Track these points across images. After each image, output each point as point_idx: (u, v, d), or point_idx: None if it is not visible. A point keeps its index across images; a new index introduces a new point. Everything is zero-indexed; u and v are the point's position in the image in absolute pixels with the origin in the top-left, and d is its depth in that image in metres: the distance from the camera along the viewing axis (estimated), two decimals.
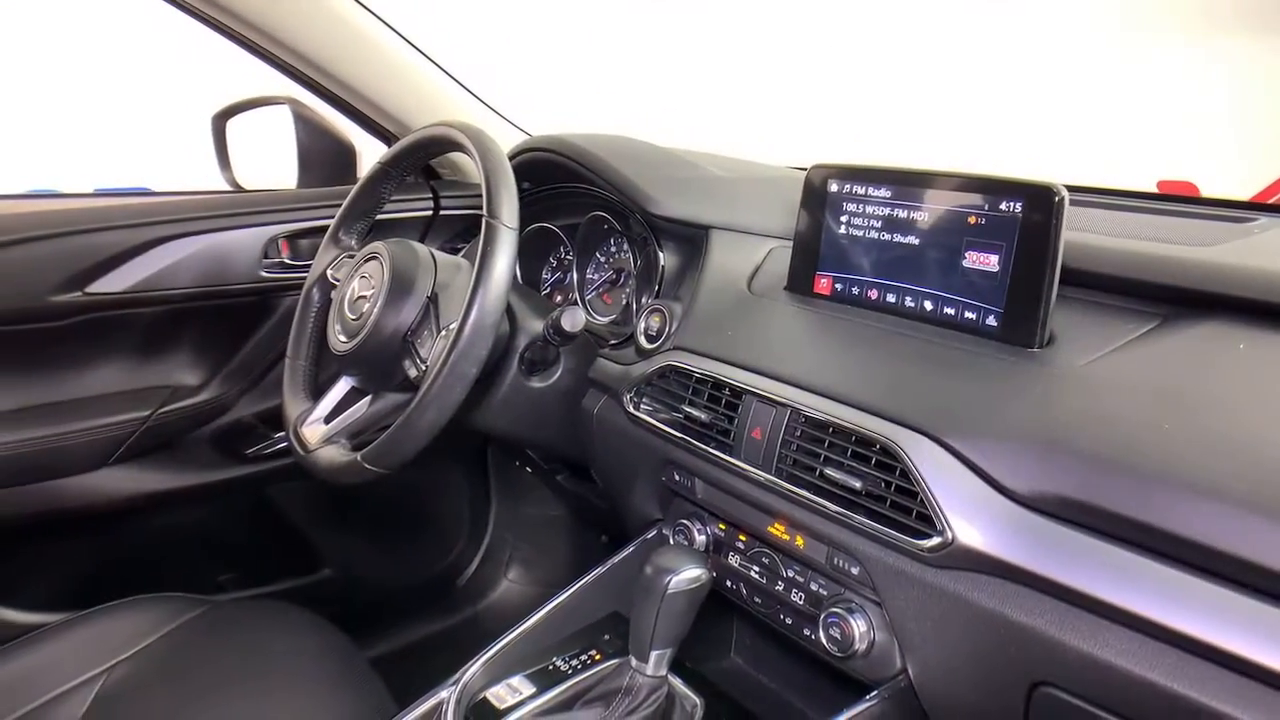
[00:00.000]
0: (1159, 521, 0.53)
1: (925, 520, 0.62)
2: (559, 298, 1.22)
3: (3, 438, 1.11)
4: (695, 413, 0.81)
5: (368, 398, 0.93)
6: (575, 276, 1.16)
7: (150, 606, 1.08)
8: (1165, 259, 0.68)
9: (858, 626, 0.69)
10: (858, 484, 0.66)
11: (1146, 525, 0.54)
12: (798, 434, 0.72)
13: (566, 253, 1.19)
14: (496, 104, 1.36)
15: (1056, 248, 0.67)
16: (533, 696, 0.75)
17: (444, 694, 0.73)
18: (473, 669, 0.76)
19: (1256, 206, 0.87)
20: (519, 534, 1.58)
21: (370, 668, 1.03)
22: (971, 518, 0.60)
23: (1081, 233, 0.74)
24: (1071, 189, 0.83)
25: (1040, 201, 0.68)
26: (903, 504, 0.64)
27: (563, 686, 0.77)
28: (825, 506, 0.69)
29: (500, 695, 0.75)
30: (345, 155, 1.33)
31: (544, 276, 1.25)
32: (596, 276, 1.15)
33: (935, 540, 0.61)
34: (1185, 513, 0.52)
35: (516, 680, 0.77)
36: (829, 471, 0.69)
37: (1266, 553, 0.49)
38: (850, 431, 0.68)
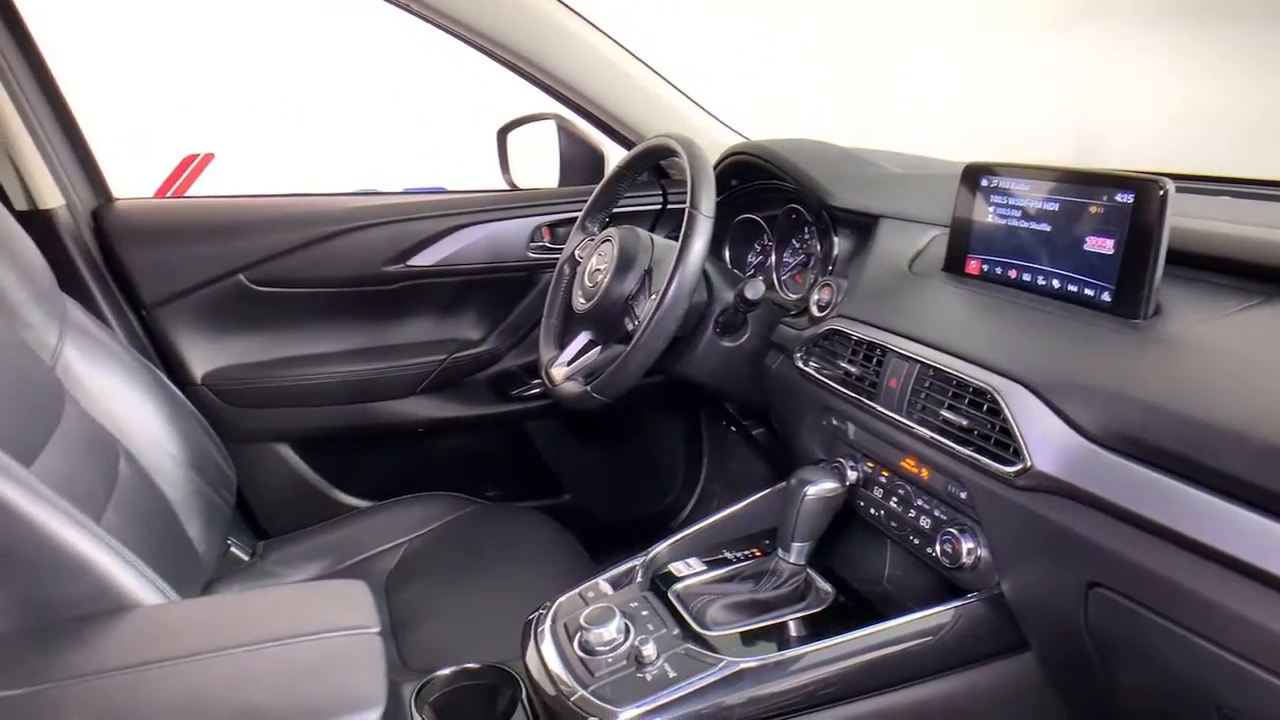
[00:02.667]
0: (1200, 456, 0.64)
1: (1016, 453, 0.76)
2: (762, 279, 1.43)
3: (344, 368, 1.53)
4: (849, 368, 0.99)
5: (599, 347, 1.20)
6: (773, 259, 1.36)
7: (438, 500, 1.44)
8: (1268, 243, 0.76)
9: (966, 544, 0.84)
10: (966, 423, 0.82)
11: (1189, 459, 0.65)
12: (926, 384, 0.88)
13: (768, 239, 1.40)
14: (718, 112, 1.60)
15: (1160, 233, 0.77)
16: (702, 572, 0.98)
17: (636, 561, 0.98)
18: (660, 547, 1.00)
19: None
20: (725, 486, 1.81)
21: (594, 563, 1.31)
22: (1048, 450, 0.73)
23: (1196, 219, 0.83)
24: (1194, 178, 0.91)
25: (1147, 193, 0.78)
26: (1002, 440, 0.78)
27: (726, 569, 0.99)
28: (942, 442, 0.84)
29: (678, 568, 0.99)
30: (596, 160, 1.61)
31: (749, 260, 1.46)
32: (790, 260, 1.35)
33: (1019, 466, 0.75)
34: (1223, 450, 0.63)
35: (692, 560, 1.00)
36: (946, 414, 0.84)
37: None
38: (968, 383, 0.83)
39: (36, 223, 1.31)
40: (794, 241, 1.35)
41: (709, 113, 1.59)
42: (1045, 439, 0.74)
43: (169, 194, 4.13)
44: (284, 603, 0.83)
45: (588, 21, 1.50)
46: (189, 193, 4.09)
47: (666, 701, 0.78)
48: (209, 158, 4.56)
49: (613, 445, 1.77)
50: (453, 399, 1.60)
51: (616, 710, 0.77)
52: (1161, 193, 0.77)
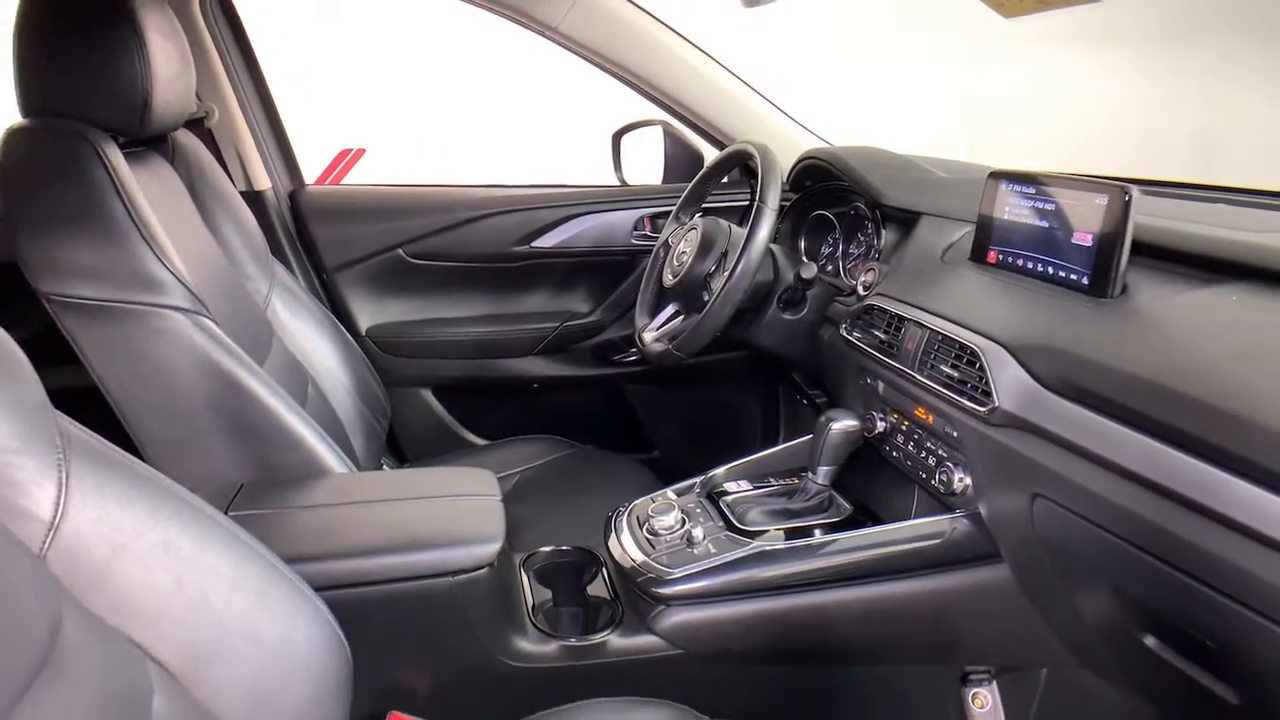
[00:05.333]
0: (1125, 399, 0.84)
1: (989, 396, 0.97)
2: (829, 266, 1.65)
3: (477, 329, 1.85)
4: (881, 336, 1.21)
5: (682, 316, 1.46)
6: (840, 250, 1.58)
7: (547, 442, 1.73)
8: (1209, 239, 0.94)
9: (957, 474, 1.05)
10: (959, 375, 1.03)
11: (1117, 402, 0.84)
12: (936, 346, 1.10)
13: (837, 233, 1.62)
14: (802, 119, 1.83)
15: (1125, 229, 0.96)
16: (748, 490, 1.23)
17: (697, 480, 1.23)
18: (718, 471, 1.25)
19: None
20: None
21: None
22: (1011, 393, 0.94)
23: (1165, 218, 1.00)
24: (1171, 184, 1.09)
25: (1116, 197, 0.97)
26: (984, 388, 0.99)
27: (767, 488, 1.23)
28: (941, 391, 1.06)
29: (729, 486, 1.24)
30: (697, 161, 1.87)
31: (821, 250, 1.68)
32: (854, 251, 1.56)
33: (990, 406, 0.96)
34: (1143, 395, 0.82)
35: (742, 482, 1.25)
36: (946, 369, 1.06)
37: (1179, 418, 0.78)
38: (965, 345, 1.04)
39: (251, 200, 1.68)
40: (859, 235, 1.56)
41: (797, 121, 1.83)
42: (1010, 385, 0.95)
43: (326, 183, 4.67)
44: (435, 477, 1.14)
45: (690, 43, 1.76)
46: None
47: (707, 568, 1.03)
48: (360, 153, 5.09)
49: (699, 411, 2.03)
50: (563, 361, 1.89)
51: (670, 571, 1.04)
52: (1126, 197, 0.96)
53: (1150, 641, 0.86)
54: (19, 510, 0.64)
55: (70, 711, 0.60)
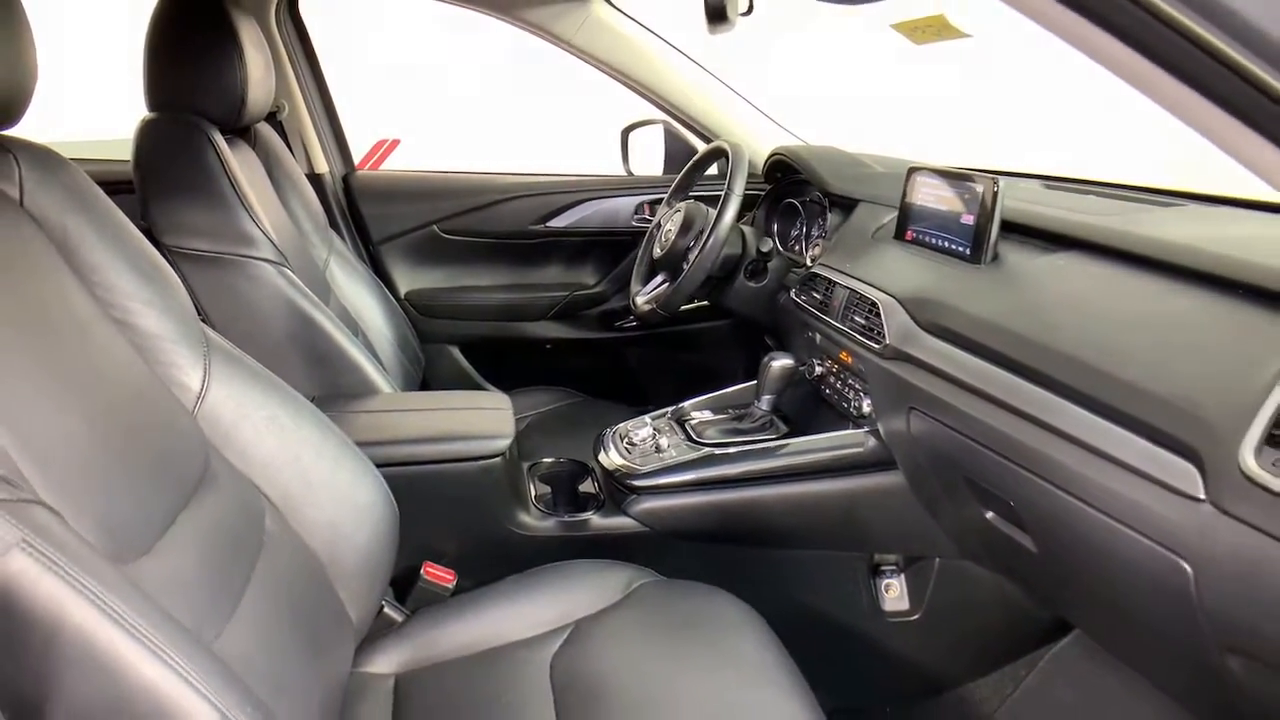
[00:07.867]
0: (974, 335, 1.13)
1: (882, 336, 1.27)
2: (796, 246, 1.94)
3: (498, 296, 2.17)
4: (819, 296, 1.51)
5: (667, 283, 1.77)
6: (804, 231, 1.88)
7: (556, 392, 2.05)
8: (1051, 218, 1.22)
9: (865, 401, 1.35)
10: (865, 323, 1.33)
11: (967, 337, 1.14)
12: (854, 303, 1.39)
13: (803, 218, 1.91)
14: (780, 119, 2.12)
15: (994, 210, 1.25)
16: (708, 416, 1.54)
17: (669, 409, 1.54)
18: (687, 403, 1.56)
19: (1193, 196, 1.30)
20: None
21: None
22: (898, 334, 1.24)
23: (1033, 204, 1.29)
24: (1044, 177, 1.38)
25: (989, 186, 1.26)
26: (880, 331, 1.29)
27: (723, 415, 1.54)
28: (854, 335, 1.36)
29: (694, 414, 1.55)
30: (692, 155, 2.17)
31: (791, 233, 1.98)
32: (815, 233, 1.86)
33: (882, 344, 1.26)
34: (988, 332, 1.12)
35: (705, 411, 1.56)
36: (857, 319, 1.36)
37: (1009, 348, 1.07)
38: (871, 300, 1.34)
39: (312, 181, 2.01)
40: (820, 220, 1.86)
41: (777, 123, 2.12)
42: (897, 328, 1.25)
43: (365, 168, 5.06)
44: (463, 396, 1.46)
45: (684, 55, 2.06)
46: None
47: (669, 465, 1.35)
48: (396, 142, 5.47)
49: (689, 370, 2.33)
50: (570, 326, 2.21)
51: (641, 467, 1.35)
52: (996, 187, 1.25)
53: (990, 516, 1.16)
54: (179, 383, 0.97)
55: (222, 509, 0.93)
